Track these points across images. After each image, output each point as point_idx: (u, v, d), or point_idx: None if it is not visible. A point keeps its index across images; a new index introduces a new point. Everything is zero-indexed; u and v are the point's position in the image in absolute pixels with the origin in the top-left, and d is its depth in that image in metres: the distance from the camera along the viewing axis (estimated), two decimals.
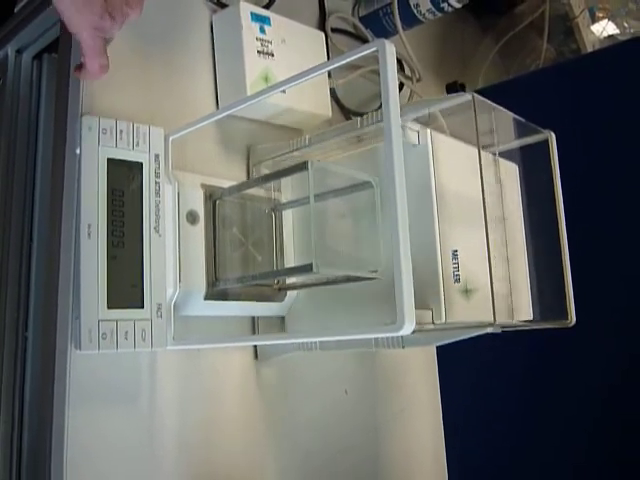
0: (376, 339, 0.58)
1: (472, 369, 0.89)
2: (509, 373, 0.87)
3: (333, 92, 0.80)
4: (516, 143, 0.67)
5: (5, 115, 0.72)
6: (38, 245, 0.69)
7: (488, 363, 0.88)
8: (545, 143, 0.66)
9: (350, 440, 0.76)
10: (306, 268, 0.49)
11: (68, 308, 0.53)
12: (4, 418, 0.66)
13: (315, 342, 0.61)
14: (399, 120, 0.44)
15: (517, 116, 0.62)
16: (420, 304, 0.53)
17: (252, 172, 0.67)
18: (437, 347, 0.88)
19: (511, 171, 0.68)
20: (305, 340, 0.48)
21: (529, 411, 0.85)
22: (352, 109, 0.83)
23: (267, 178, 0.57)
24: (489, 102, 0.56)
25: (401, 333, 0.40)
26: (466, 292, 0.54)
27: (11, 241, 0.69)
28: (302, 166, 0.52)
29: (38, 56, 0.75)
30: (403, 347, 0.57)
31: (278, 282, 0.64)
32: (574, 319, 0.62)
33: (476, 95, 0.53)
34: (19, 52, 0.75)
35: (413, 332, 0.40)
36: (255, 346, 0.66)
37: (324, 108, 0.74)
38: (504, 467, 0.88)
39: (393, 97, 0.44)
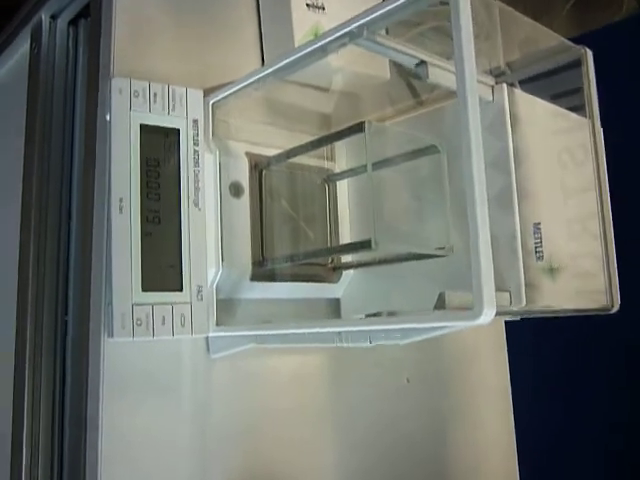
0: (339, 334, 0.45)
1: (545, 355, 0.81)
2: (585, 359, 0.79)
3: None
4: (541, 66, 0.56)
5: (41, 85, 0.67)
6: (77, 222, 0.64)
7: (563, 349, 0.80)
8: None
9: (413, 431, 0.70)
10: (364, 245, 0.43)
11: (101, 292, 0.49)
12: (44, 408, 0.62)
13: (269, 335, 0.49)
14: (475, 72, 0.37)
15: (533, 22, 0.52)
16: (496, 285, 0.46)
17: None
18: (507, 332, 0.81)
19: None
20: (358, 329, 0.41)
21: (605, 398, 0.78)
22: (413, 70, 0.75)
23: (318, 143, 0.51)
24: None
25: (480, 322, 0.33)
26: (551, 271, 0.46)
27: (49, 218, 0.65)
28: (358, 127, 0.45)
29: (74, 21, 0.70)
30: (370, 342, 0.42)
31: (332, 261, 0.57)
32: (617, 304, 0.52)
33: None
34: (53, 18, 0.70)
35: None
36: None
37: (381, 69, 0.67)
38: (578, 460, 0.81)
39: (467, 45, 0.36)
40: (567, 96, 0.56)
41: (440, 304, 0.42)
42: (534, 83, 0.55)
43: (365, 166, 0.52)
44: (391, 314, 0.39)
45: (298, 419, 0.60)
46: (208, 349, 0.53)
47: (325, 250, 0.55)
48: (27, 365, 0.62)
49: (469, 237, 0.36)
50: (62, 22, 0.70)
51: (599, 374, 0.80)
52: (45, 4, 0.68)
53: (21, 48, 0.75)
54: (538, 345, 0.81)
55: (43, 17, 0.69)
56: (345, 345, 0.42)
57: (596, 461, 0.81)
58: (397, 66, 0.75)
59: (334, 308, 0.61)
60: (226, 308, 0.51)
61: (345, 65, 0.62)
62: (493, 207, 0.49)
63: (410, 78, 0.75)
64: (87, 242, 0.51)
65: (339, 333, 0.42)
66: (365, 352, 0.65)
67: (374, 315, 0.39)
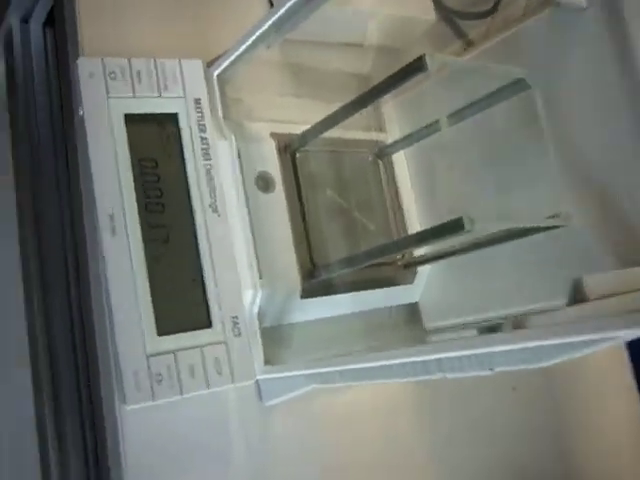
0: (439, 361, 0.29)
1: None
2: None
3: None
4: None
5: (20, 96, 0.56)
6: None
7: None
8: None
9: (523, 449, 0.57)
10: (454, 226, 0.30)
11: (107, 346, 0.37)
12: None
13: (336, 372, 0.35)
14: None
15: None
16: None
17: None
18: None
19: None
20: (478, 352, 0.27)
21: None
22: (458, 10, 0.62)
23: (362, 101, 0.37)
24: None
25: None
26: None
27: (49, 265, 0.52)
28: (417, 65, 0.32)
29: (49, 22, 0.59)
30: (491, 370, 0.27)
31: (403, 256, 0.44)
32: None
33: None
34: (25, 21, 0.59)
35: None
36: None
37: (425, 10, 0.53)
38: None
39: None
40: None
41: (579, 295, 0.28)
42: None
43: (427, 127, 0.39)
44: (518, 324, 0.25)
45: (386, 446, 0.47)
46: (260, 395, 0.41)
47: (396, 243, 0.41)
48: (50, 448, 0.50)
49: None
50: (35, 24, 0.59)
51: None
52: (8, 8, 0.57)
53: None
54: None
55: (12, 22, 0.58)
56: (450, 376, 0.28)
57: None
58: (438, 9, 0.62)
59: (410, 315, 0.48)
60: (274, 339, 0.39)
61: (378, 8, 0.49)
62: (607, 154, 0.35)
63: (455, 23, 0.62)
64: (85, 281, 0.40)
65: (439, 360, 0.28)
66: None
67: (492, 329, 0.26)
